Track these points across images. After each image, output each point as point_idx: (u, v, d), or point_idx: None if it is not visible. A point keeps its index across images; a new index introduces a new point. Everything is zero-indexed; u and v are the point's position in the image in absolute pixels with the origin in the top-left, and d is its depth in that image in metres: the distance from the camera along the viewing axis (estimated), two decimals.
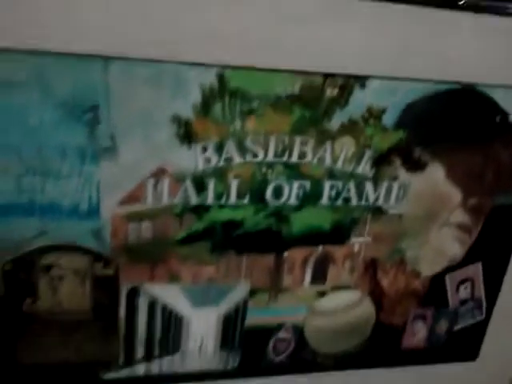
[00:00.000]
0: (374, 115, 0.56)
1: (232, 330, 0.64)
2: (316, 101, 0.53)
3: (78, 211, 0.52)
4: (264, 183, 0.56)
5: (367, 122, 0.56)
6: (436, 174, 0.61)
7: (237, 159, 0.54)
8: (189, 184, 0.54)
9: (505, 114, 0.60)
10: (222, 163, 0.54)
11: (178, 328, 0.62)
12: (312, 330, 0.67)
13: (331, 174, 0.58)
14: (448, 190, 0.63)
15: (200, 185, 0.55)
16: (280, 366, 0.69)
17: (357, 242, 0.63)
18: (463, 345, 0.76)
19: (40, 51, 0.45)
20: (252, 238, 0.59)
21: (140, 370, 0.63)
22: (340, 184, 0.58)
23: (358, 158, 0.58)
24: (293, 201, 0.58)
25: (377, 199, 0.61)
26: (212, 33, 0.48)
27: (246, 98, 0.52)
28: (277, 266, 0.62)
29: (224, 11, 0.47)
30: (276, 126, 0.54)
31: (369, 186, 0.60)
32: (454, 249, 0.67)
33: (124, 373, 0.63)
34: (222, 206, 0.56)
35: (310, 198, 0.58)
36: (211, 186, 0.55)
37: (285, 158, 0.56)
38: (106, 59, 0.47)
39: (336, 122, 0.55)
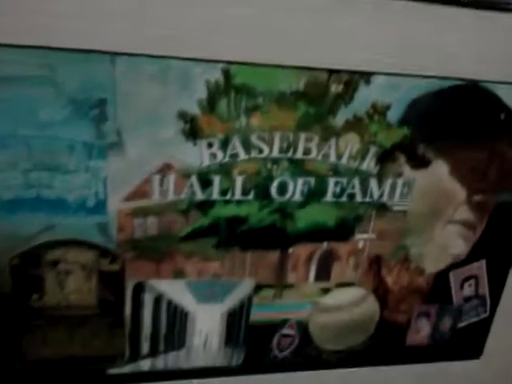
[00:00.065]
0: (378, 111, 0.56)
1: (237, 326, 0.65)
2: (321, 97, 0.54)
3: (84, 206, 0.53)
4: (269, 179, 0.57)
5: (372, 119, 0.56)
6: (440, 170, 0.61)
7: (242, 155, 0.55)
8: (194, 180, 0.55)
9: (509, 111, 0.60)
10: (227, 159, 0.55)
11: (182, 324, 0.63)
12: (316, 327, 0.68)
13: (336, 171, 0.58)
14: (452, 187, 0.63)
15: (205, 181, 0.55)
16: (284, 362, 0.69)
17: (361, 238, 0.63)
18: (467, 342, 0.76)
19: (48, 47, 0.46)
20: (257, 234, 0.59)
21: (145, 365, 0.64)
22: (344, 180, 0.59)
23: (362, 154, 0.58)
24: (297, 197, 0.58)
25: (381, 196, 0.61)
26: (217, 28, 0.48)
27: (251, 95, 0.52)
28: (281, 263, 0.62)
29: (228, 6, 0.48)
30: (281, 122, 0.54)
31: (373, 183, 0.60)
32: (459, 246, 0.67)
33: (129, 368, 0.63)
34: (226, 202, 0.57)
35: (314, 195, 0.59)
36: (216, 181, 0.55)
37: (290, 154, 0.56)
38: (113, 56, 0.47)
39: (341, 118, 0.55)
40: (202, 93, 0.51)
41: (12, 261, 0.54)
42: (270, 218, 0.59)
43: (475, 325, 0.75)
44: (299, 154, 0.56)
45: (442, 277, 0.69)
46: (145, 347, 0.63)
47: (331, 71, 0.53)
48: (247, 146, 0.54)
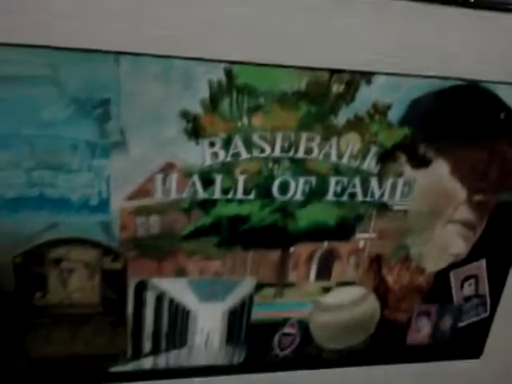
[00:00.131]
0: (379, 111, 0.56)
1: (238, 324, 0.65)
2: (322, 97, 0.54)
3: (87, 205, 0.53)
4: (270, 179, 0.57)
5: (373, 118, 0.56)
6: (441, 170, 0.61)
7: (244, 154, 0.55)
8: (196, 179, 0.55)
9: (509, 111, 0.61)
10: (229, 158, 0.55)
11: (184, 322, 0.63)
12: (317, 326, 0.68)
13: (337, 170, 0.58)
14: (453, 187, 0.63)
15: (207, 180, 0.55)
16: (285, 361, 0.69)
17: (362, 238, 0.63)
18: (467, 342, 0.76)
19: (52, 47, 0.46)
20: (258, 233, 0.60)
21: (147, 363, 0.64)
22: (345, 180, 0.59)
23: (363, 154, 0.58)
24: (299, 196, 0.59)
25: (382, 195, 0.61)
26: (217, 28, 0.49)
27: (253, 94, 0.52)
28: (282, 262, 0.62)
29: (228, 6, 0.48)
30: (283, 121, 0.54)
31: (374, 182, 0.60)
32: (459, 245, 0.68)
33: (131, 366, 0.64)
34: (228, 201, 0.57)
35: (315, 194, 0.59)
36: (218, 181, 0.56)
37: (291, 154, 0.56)
38: (117, 55, 0.48)
39: (342, 118, 0.56)
40: (204, 92, 0.51)
41: (15, 259, 0.54)
42: (272, 217, 0.59)
43: (475, 324, 0.75)
44: (301, 154, 0.56)
45: (442, 276, 0.69)
46: (147, 345, 0.63)
47: (332, 71, 0.53)
48: (249, 145, 0.55)
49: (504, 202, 0.66)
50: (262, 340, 0.67)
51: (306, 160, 0.57)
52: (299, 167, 0.57)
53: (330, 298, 0.66)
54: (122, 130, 0.51)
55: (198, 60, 0.50)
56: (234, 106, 0.52)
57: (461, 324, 0.74)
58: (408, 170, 0.61)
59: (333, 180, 0.59)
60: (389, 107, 0.56)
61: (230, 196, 0.57)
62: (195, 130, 0.53)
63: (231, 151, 0.55)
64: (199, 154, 0.54)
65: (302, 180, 0.58)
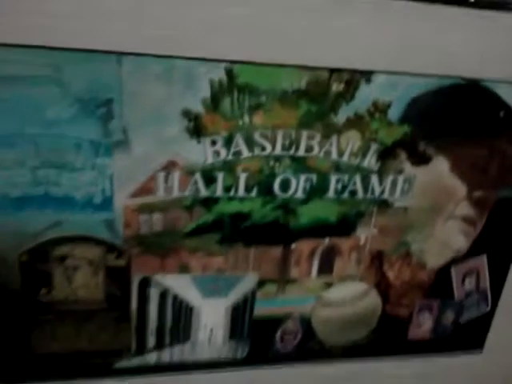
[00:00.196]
0: (379, 109, 0.57)
1: (241, 320, 0.66)
2: (322, 95, 0.55)
3: (91, 203, 0.54)
4: (271, 176, 0.58)
5: (373, 117, 0.57)
6: (441, 167, 0.62)
7: (245, 153, 0.56)
8: (198, 177, 0.56)
9: (508, 109, 0.61)
10: (230, 157, 0.55)
11: (188, 318, 0.64)
12: (319, 321, 0.69)
13: (337, 168, 0.59)
14: (453, 184, 0.63)
15: (209, 178, 0.56)
16: (287, 356, 0.70)
17: (363, 234, 0.64)
18: (469, 336, 0.77)
19: (55, 47, 0.47)
20: (260, 230, 0.60)
21: (151, 358, 0.65)
22: (346, 177, 0.59)
23: (363, 151, 0.59)
24: (300, 194, 0.59)
25: (382, 192, 0.62)
26: (218, 28, 0.49)
27: (254, 93, 0.53)
28: (284, 258, 0.63)
29: (229, 6, 0.49)
30: (283, 120, 0.55)
31: (374, 180, 0.61)
32: (459, 241, 0.68)
33: (136, 361, 0.64)
34: (230, 199, 0.58)
35: (316, 191, 0.60)
36: (220, 178, 0.56)
37: (292, 152, 0.57)
38: (120, 56, 0.48)
39: (342, 116, 0.56)
40: (205, 92, 0.52)
41: (21, 257, 0.55)
42: (273, 214, 0.60)
43: (477, 319, 0.75)
44: (301, 152, 0.57)
45: (443, 272, 0.70)
46: (151, 341, 0.64)
47: (332, 70, 0.54)
48: (250, 143, 0.55)
49: (504, 198, 0.66)
50: (265, 335, 0.68)
51: (306, 158, 0.57)
52: (300, 165, 0.58)
53: (331, 294, 0.67)
54: (125, 129, 0.52)
55: (199, 60, 0.50)
56: (234, 105, 0.53)
57: (462, 319, 0.75)
58: (408, 167, 0.61)
59: (333, 177, 0.59)
60: (389, 105, 0.57)
61: (231, 194, 0.57)
62: (197, 129, 0.53)
63: (232, 149, 0.55)
64: (201, 153, 0.55)
65: (302, 177, 0.58)
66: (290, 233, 0.61)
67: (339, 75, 0.54)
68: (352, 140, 0.57)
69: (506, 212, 0.68)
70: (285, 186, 0.58)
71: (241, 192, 0.57)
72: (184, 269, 0.60)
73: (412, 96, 0.57)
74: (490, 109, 0.60)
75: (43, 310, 0.58)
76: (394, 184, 0.61)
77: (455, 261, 0.69)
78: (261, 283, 0.64)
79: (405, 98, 0.57)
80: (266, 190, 0.58)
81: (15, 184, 0.52)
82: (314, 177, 0.58)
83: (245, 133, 0.54)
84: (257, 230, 0.60)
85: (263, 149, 0.56)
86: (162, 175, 0.55)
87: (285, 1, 0.49)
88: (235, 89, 0.52)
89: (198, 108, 0.52)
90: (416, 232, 0.66)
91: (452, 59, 0.56)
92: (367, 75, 0.55)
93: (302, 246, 0.63)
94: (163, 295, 0.61)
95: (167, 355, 0.65)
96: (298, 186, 0.59)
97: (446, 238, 0.67)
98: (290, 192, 0.59)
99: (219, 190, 0.57)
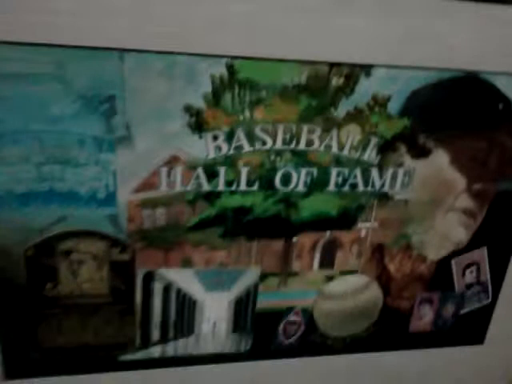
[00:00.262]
0: (379, 103, 0.57)
1: (243, 313, 0.66)
2: (322, 90, 0.55)
3: (95, 198, 0.55)
4: (273, 170, 0.58)
5: (373, 110, 0.57)
6: (440, 160, 0.62)
7: (246, 147, 0.56)
8: (200, 171, 0.56)
9: (507, 101, 0.61)
10: (232, 151, 0.56)
11: (191, 311, 0.64)
12: (321, 314, 0.69)
13: (338, 161, 0.59)
14: (452, 176, 0.64)
15: (211, 172, 0.57)
16: (290, 349, 0.70)
17: (363, 227, 0.64)
18: (470, 328, 0.77)
19: (58, 44, 0.47)
20: (262, 223, 0.61)
21: (155, 351, 0.66)
22: (346, 171, 0.60)
23: (363, 145, 0.59)
24: (301, 187, 0.60)
25: (383, 185, 0.62)
26: (218, 25, 0.50)
27: (254, 88, 0.53)
28: (286, 251, 0.64)
29: (230, 3, 0.49)
30: (284, 114, 0.55)
31: (375, 173, 0.61)
32: (460, 233, 0.69)
33: (140, 354, 0.65)
34: (232, 193, 0.58)
35: (317, 185, 0.60)
36: (222, 173, 0.57)
37: (292, 146, 0.57)
38: (122, 53, 0.49)
39: (342, 110, 0.56)
40: (207, 87, 0.52)
41: (27, 252, 0.56)
42: (275, 207, 0.60)
43: (477, 311, 0.76)
44: (302, 146, 0.57)
45: (443, 264, 0.70)
46: (155, 334, 0.65)
47: (332, 64, 0.54)
48: (251, 138, 0.56)
49: (504, 190, 0.67)
50: (268, 328, 0.69)
51: (307, 152, 0.58)
52: (301, 159, 0.58)
53: (333, 287, 0.68)
54: (128, 124, 0.52)
55: (201, 56, 0.51)
56: (235, 100, 0.53)
57: (463, 311, 0.75)
58: (408, 160, 0.61)
59: (334, 171, 0.60)
60: (388, 99, 0.57)
61: (233, 188, 0.58)
62: (198, 124, 0.54)
63: (234, 144, 0.56)
64: (203, 148, 0.55)
65: (303, 171, 0.59)
66: (291, 226, 0.62)
67: (339, 69, 0.54)
68: (352, 134, 0.58)
69: (506, 204, 0.68)
70: (286, 179, 0.59)
71: (242, 186, 0.58)
72: (187, 263, 0.61)
73: (411, 89, 0.57)
74: (489, 101, 0.61)
75: (49, 305, 0.59)
76: (394, 177, 0.62)
77: (456, 253, 0.70)
78: (263, 276, 0.64)
79: (404, 92, 0.57)
80: (267, 184, 0.59)
81: (20, 180, 0.52)
82: (315, 170, 0.59)
83: (246, 127, 0.55)
84: (259, 223, 0.61)
85: (264, 143, 0.56)
86: (164, 170, 0.55)
87: None
88: (236, 84, 0.53)
89: (199, 103, 0.53)
90: (416, 225, 0.66)
91: (451, 52, 0.56)
92: (367, 69, 0.55)
93: (303, 240, 0.63)
94: (167, 289, 0.62)
95: (171, 348, 0.66)
96: (299, 179, 0.59)
97: (447, 230, 0.68)
98: (291, 186, 0.59)
99: (221, 185, 0.57)
